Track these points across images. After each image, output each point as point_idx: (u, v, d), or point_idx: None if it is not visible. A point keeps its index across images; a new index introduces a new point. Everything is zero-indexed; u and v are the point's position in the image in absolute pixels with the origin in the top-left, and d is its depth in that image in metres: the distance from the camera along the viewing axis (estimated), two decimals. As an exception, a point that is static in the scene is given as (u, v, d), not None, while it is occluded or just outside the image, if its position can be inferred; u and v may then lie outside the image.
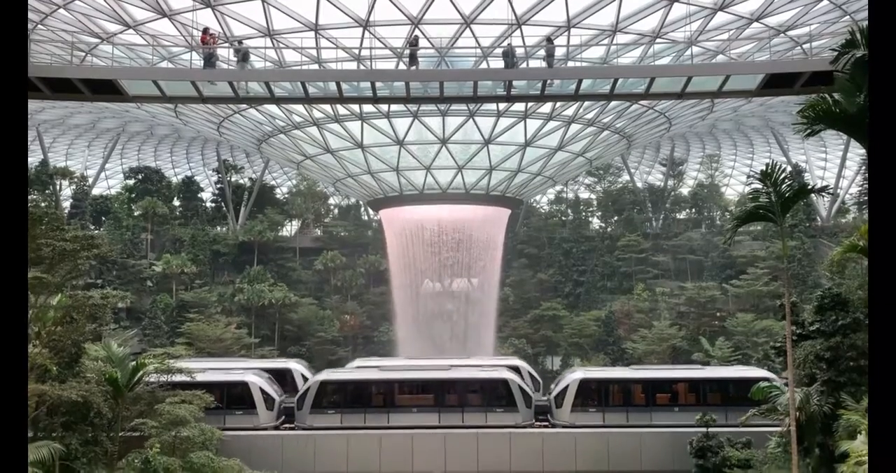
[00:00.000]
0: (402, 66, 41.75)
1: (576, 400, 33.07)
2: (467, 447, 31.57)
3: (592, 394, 33.78)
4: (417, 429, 32.25)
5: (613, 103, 48.58)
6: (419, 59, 30.60)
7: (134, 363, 26.82)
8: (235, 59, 30.26)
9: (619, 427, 32.40)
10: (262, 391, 33.42)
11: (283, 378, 38.35)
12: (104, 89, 28.50)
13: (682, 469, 30.53)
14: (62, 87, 27.81)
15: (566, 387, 33.51)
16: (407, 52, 30.32)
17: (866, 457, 14.21)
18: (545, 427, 33.38)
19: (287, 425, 34.23)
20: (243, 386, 33.59)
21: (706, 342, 61.15)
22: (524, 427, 32.68)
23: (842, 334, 22.10)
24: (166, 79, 29.90)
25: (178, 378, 28.85)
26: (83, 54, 38.47)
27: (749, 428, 28.90)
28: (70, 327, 24.87)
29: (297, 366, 40.77)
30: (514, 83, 30.84)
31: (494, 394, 33.54)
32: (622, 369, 37.23)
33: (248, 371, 36.22)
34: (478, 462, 31.52)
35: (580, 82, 30.18)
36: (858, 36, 19.04)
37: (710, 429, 29.94)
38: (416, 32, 38.35)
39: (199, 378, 34.20)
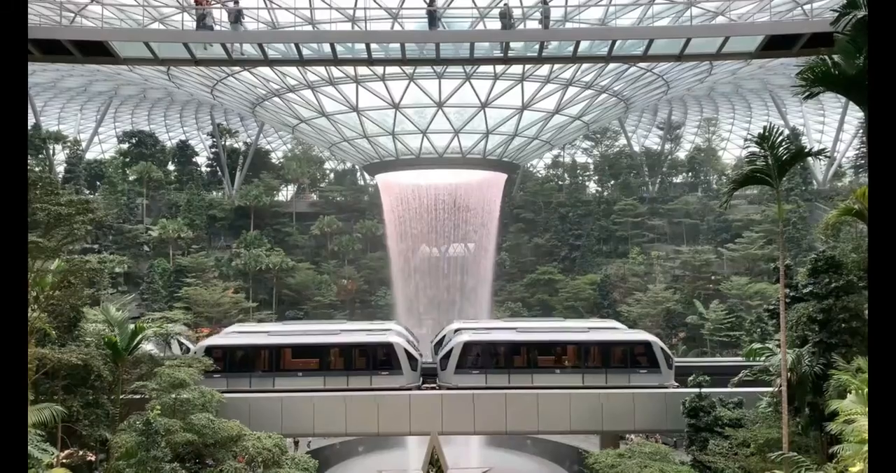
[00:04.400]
0: (397, 27, 41.16)
1: (460, 363, 33.42)
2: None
3: (477, 357, 34.09)
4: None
5: (611, 66, 48.10)
6: (439, 20, 29.69)
7: (133, 327, 27.00)
8: (229, 20, 29.72)
9: (501, 388, 32.71)
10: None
11: None
12: (95, 51, 28.06)
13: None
14: (52, 49, 27.33)
15: (451, 350, 33.84)
16: (425, 11, 29.53)
17: (855, 416, 14.49)
18: (433, 389, 33.70)
19: None
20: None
21: (700, 305, 61.75)
22: (409, 389, 33.02)
23: (835, 296, 22.29)
24: (158, 40, 29.42)
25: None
26: (72, 15, 37.73)
27: (741, 389, 29.45)
28: (68, 291, 24.97)
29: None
30: (512, 45, 30.41)
31: (380, 358, 33.90)
32: (508, 330, 37.23)
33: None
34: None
35: (578, 44, 29.82)
36: (860, -4, 18.76)
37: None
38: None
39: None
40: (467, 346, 33.90)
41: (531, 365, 33.94)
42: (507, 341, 35.12)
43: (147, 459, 22.43)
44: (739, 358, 36.16)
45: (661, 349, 33.55)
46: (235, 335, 37.70)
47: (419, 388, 33.56)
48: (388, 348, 33.75)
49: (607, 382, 32.89)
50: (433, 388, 33.76)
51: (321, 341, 35.05)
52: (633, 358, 33.80)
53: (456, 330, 37.68)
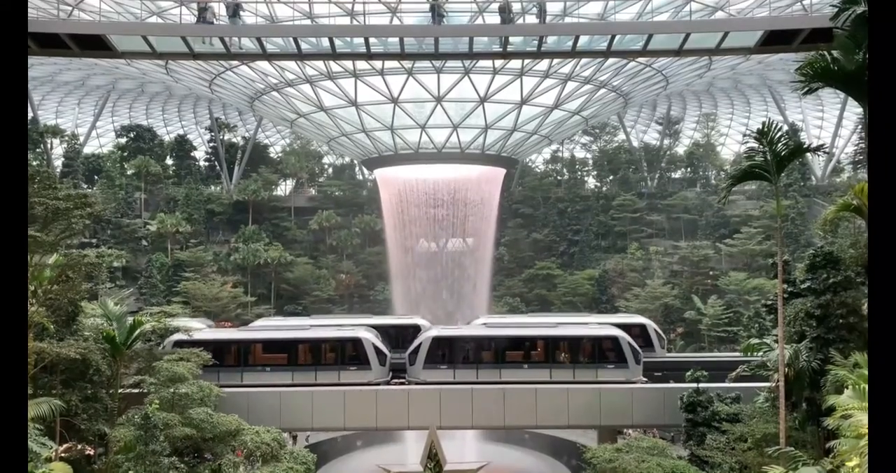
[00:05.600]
0: (396, 22, 41.05)
1: (428, 358, 33.40)
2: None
3: (445, 352, 34.11)
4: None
5: (610, 61, 48.02)
6: (443, 16, 29.50)
7: (131, 321, 26.98)
8: (227, 14, 29.62)
9: (469, 383, 32.78)
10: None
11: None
12: (93, 45, 27.96)
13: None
14: (49, 43, 27.24)
15: (419, 345, 33.86)
16: (427, 6, 29.36)
17: (852, 411, 14.52)
18: (401, 384, 33.71)
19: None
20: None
21: (698, 300, 61.85)
22: (377, 384, 33.01)
23: (832, 292, 22.31)
24: (156, 34, 29.33)
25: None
26: (70, 8, 37.59)
27: (739, 384, 29.51)
28: (66, 285, 24.91)
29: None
30: (511, 39, 30.38)
31: (348, 353, 33.96)
32: (479, 327, 37.31)
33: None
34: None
35: (577, 39, 29.75)
36: (860, -9, 18.72)
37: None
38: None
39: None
40: (435, 341, 33.90)
41: (498, 361, 34.01)
42: (475, 336, 35.24)
43: (146, 453, 22.47)
44: (737, 354, 36.39)
45: (629, 344, 33.57)
46: (208, 331, 37.98)
47: (388, 383, 33.55)
48: (357, 343, 33.76)
49: (574, 377, 32.88)
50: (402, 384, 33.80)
51: (290, 336, 35.09)
52: (601, 353, 33.85)
53: (483, 325, 38.06)
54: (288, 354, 34.06)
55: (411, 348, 34.27)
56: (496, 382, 32.74)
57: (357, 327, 36.86)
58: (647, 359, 34.91)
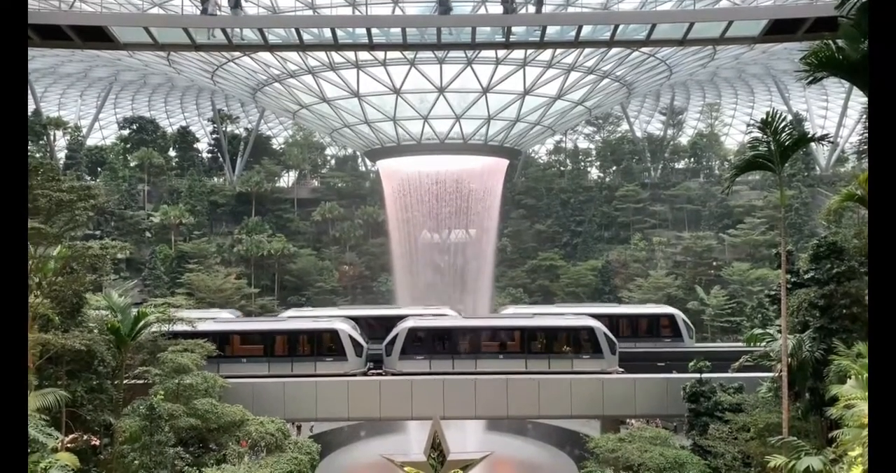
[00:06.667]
0: (398, 12, 40.88)
1: (404, 349, 33.41)
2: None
3: (421, 343, 34.08)
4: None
5: (614, 50, 47.77)
6: (450, 8, 29.31)
7: (136, 312, 27.07)
8: (228, 4, 29.54)
9: (445, 374, 32.76)
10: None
11: None
12: (94, 36, 27.96)
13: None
14: (51, 34, 27.24)
15: (396, 336, 33.81)
16: None
17: (855, 401, 14.55)
18: (379, 375, 33.70)
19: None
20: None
21: (701, 291, 61.82)
22: (353, 375, 32.99)
23: (836, 282, 22.28)
24: (158, 25, 29.31)
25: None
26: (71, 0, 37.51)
27: (741, 374, 29.55)
28: (70, 277, 24.99)
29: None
30: (514, 29, 30.26)
31: (325, 344, 33.95)
32: (455, 318, 37.23)
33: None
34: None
35: (580, 28, 29.65)
36: (865, -21, 18.56)
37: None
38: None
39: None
40: (412, 332, 33.84)
41: (474, 351, 34.03)
42: (451, 327, 35.20)
43: (151, 443, 22.59)
44: (740, 344, 36.38)
45: (605, 334, 33.54)
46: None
47: (365, 374, 33.53)
48: (333, 334, 33.76)
49: (549, 367, 32.88)
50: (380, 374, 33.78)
51: (267, 327, 35.13)
52: (577, 343, 33.86)
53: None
54: (265, 346, 34.05)
55: (388, 339, 34.17)
56: (471, 373, 32.71)
57: (334, 318, 36.88)
58: (674, 349, 34.84)
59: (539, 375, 32.38)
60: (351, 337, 33.69)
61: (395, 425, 47.56)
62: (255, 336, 34.88)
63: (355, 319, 37.34)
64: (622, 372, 33.22)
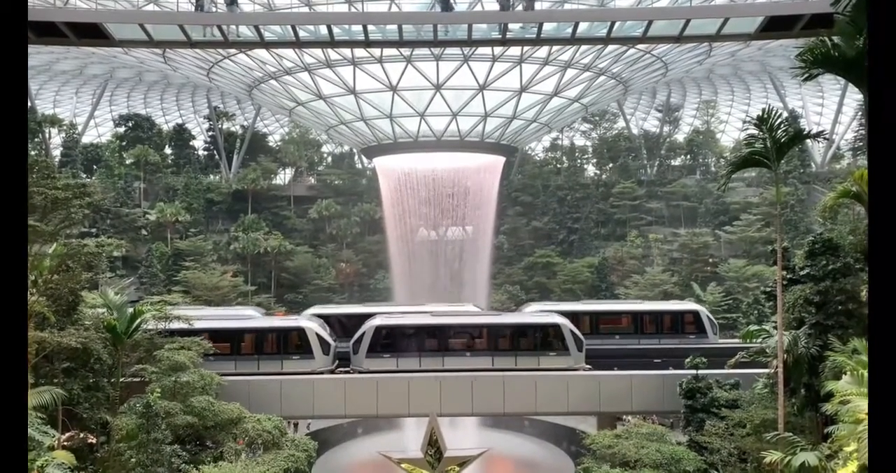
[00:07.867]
0: (394, 9, 40.80)
1: (371, 347, 33.26)
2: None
3: (388, 341, 33.97)
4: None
5: (610, 47, 47.81)
6: (452, 6, 29.20)
7: (132, 310, 27.04)
8: (224, 1, 29.46)
9: (411, 372, 32.76)
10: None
11: None
12: (90, 33, 27.86)
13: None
14: (46, 31, 27.13)
15: (363, 334, 33.70)
16: None
17: (850, 397, 14.60)
18: (346, 373, 33.57)
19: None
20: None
21: (698, 287, 61.93)
22: (320, 373, 32.92)
23: (831, 278, 22.36)
24: (153, 22, 29.23)
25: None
26: (66, -3, 37.37)
27: (738, 370, 29.62)
28: (66, 275, 24.94)
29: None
30: (510, 26, 30.23)
31: (292, 342, 33.85)
32: (422, 315, 37.22)
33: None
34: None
35: (576, 25, 29.65)
36: (861, -24, 18.58)
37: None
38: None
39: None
40: (378, 330, 33.70)
41: (441, 349, 33.93)
42: (418, 325, 35.02)
43: (147, 441, 22.59)
44: (737, 340, 36.47)
45: (571, 331, 33.45)
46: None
47: (332, 372, 33.46)
48: (301, 333, 33.69)
49: (516, 364, 32.83)
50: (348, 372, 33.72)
51: (234, 326, 34.97)
52: (543, 340, 33.79)
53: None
54: (231, 344, 33.90)
55: (355, 337, 34.02)
56: (437, 370, 32.69)
57: (300, 317, 36.75)
58: (698, 346, 34.87)
59: (504, 372, 32.36)
60: (318, 334, 33.59)
61: (392, 422, 47.62)
62: (222, 334, 34.49)
63: (334, 317, 37.39)
64: (589, 369, 33.16)
